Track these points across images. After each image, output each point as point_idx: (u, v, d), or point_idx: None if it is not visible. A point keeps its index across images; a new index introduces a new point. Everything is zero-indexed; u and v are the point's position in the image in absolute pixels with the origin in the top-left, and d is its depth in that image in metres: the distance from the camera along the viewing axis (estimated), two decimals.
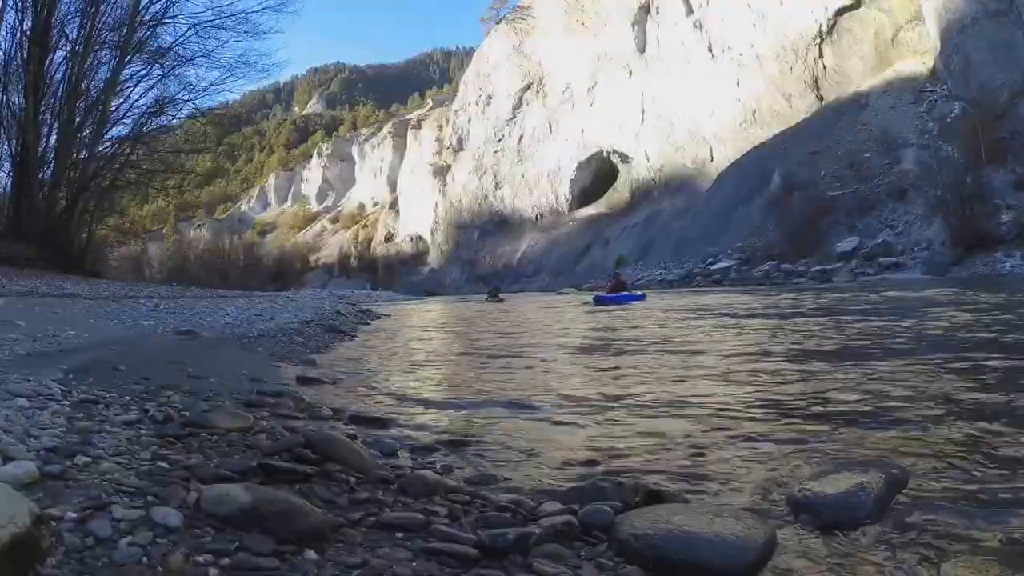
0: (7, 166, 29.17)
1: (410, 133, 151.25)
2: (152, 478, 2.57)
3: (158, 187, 36.40)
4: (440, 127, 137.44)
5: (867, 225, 48.67)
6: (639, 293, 32.17)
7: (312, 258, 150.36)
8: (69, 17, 29.69)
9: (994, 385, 5.28)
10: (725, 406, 4.97)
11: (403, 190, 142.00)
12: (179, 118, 34.27)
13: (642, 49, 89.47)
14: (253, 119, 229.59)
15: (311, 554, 2.14)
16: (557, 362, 8.30)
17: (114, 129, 32.81)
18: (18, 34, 27.70)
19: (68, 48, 29.76)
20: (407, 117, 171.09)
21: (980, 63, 47.98)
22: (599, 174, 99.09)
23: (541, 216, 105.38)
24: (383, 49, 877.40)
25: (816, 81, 68.68)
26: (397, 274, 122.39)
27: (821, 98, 67.25)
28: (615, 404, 5.28)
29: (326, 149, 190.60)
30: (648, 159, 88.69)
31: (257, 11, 35.19)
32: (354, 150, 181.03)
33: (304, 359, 8.69)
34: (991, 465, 3.25)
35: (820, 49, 67.80)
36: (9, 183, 29.36)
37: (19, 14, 27.68)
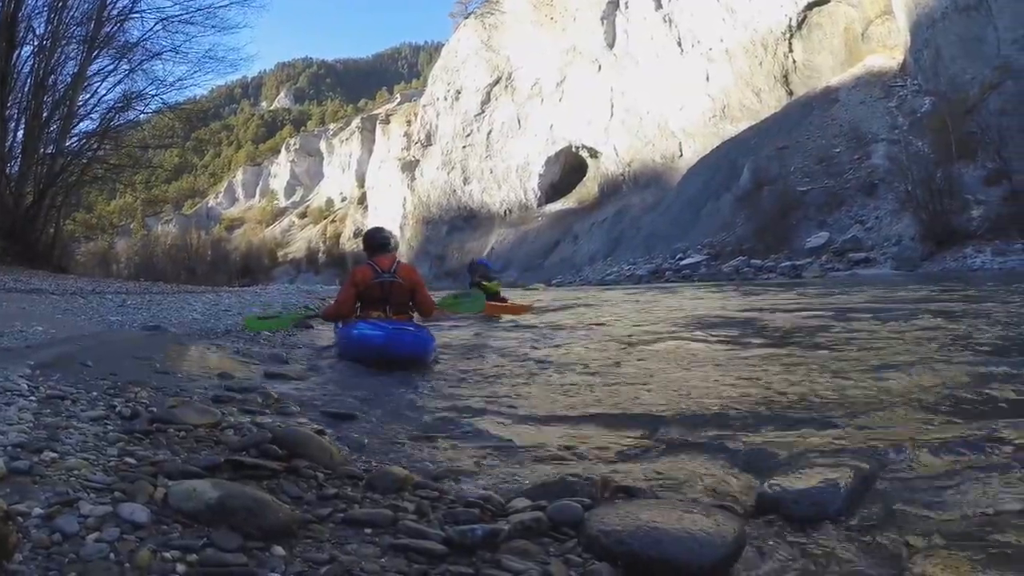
0: None
1: (378, 128, 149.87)
2: (119, 474, 2.59)
3: (125, 182, 36.61)
4: (408, 122, 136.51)
5: (837, 220, 48.27)
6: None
7: (280, 253, 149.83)
8: (36, 11, 29.80)
9: (967, 381, 5.25)
10: (695, 402, 5.02)
11: (371, 185, 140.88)
12: (146, 113, 34.53)
13: (611, 44, 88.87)
14: (221, 114, 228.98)
15: (279, 550, 2.15)
16: (527, 356, 8.22)
17: (81, 124, 33.03)
18: None
19: (35, 42, 29.70)
20: (375, 112, 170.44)
21: (950, 57, 47.68)
22: (568, 169, 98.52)
23: (510, 211, 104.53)
24: (351, 43, 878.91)
25: (786, 76, 68.48)
26: None
27: (791, 93, 67.00)
28: (585, 400, 5.33)
29: (294, 144, 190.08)
30: (617, 154, 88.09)
31: (224, 5, 34.97)
32: (322, 145, 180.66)
33: (272, 354, 8.63)
34: (963, 462, 3.28)
35: (790, 44, 67.56)
36: None
37: None
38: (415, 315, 8.98)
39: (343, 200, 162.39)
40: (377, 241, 8.91)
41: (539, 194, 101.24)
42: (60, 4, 29.33)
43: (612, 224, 79.98)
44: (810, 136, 57.13)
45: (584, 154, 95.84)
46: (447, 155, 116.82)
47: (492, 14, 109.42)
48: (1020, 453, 3.36)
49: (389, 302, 8.61)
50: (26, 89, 29.78)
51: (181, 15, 32.11)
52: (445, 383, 6.52)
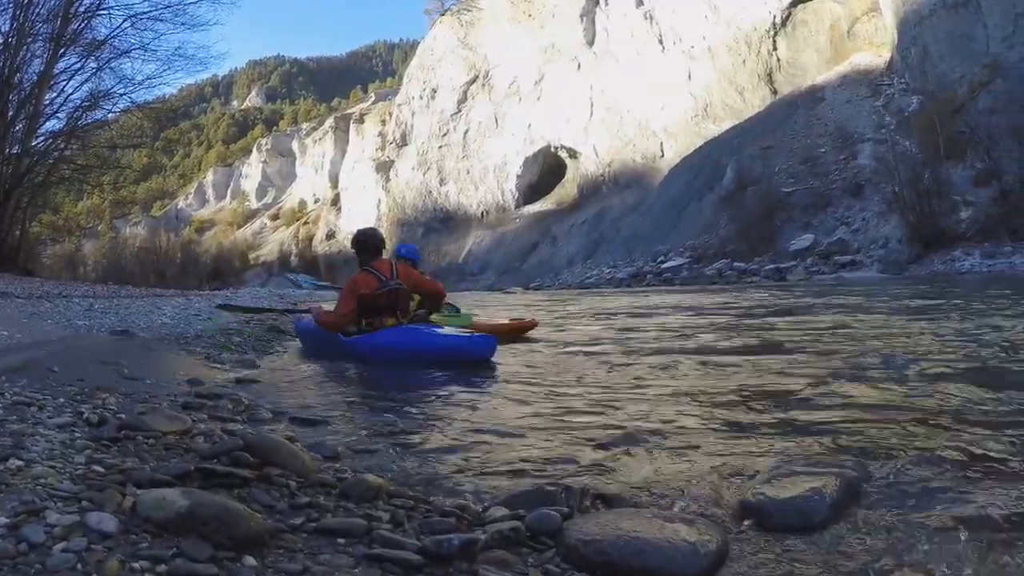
0: None
1: (352, 128, 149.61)
2: (87, 482, 2.56)
3: (93, 183, 36.65)
4: (383, 121, 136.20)
5: (822, 222, 48.15)
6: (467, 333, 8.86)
7: (252, 256, 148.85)
8: (1, 8, 29.15)
9: (951, 387, 5.27)
10: (678, 410, 4.98)
11: (345, 186, 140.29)
12: (115, 112, 34.43)
13: (591, 41, 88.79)
14: (191, 113, 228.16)
15: (250, 560, 2.14)
16: (502, 361, 8.10)
17: (48, 123, 33.04)
18: None
19: (0, 40, 29.13)
20: (349, 111, 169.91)
21: (938, 55, 47.58)
22: (546, 170, 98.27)
23: (487, 213, 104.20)
24: (325, 41, 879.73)
25: (770, 74, 68.44)
26: (339, 273, 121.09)
27: (775, 92, 66.96)
28: (563, 406, 5.29)
29: (266, 144, 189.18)
30: (597, 154, 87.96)
31: (194, 2, 34.84)
32: (295, 145, 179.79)
33: (243, 360, 8.63)
34: (949, 469, 3.27)
35: (774, 41, 67.53)
36: None
37: None
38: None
39: (316, 201, 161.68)
40: (373, 244, 8.74)
41: (517, 195, 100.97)
42: (26, 0, 28.99)
43: (592, 226, 79.82)
44: (795, 136, 57.04)
45: (563, 154, 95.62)
46: (423, 155, 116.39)
47: (469, 11, 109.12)
48: (1007, 461, 3.36)
49: (398, 308, 8.56)
50: None
51: (150, 12, 32.03)
52: (421, 390, 6.51)
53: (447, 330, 8.60)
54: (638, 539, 2.33)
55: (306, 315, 10.53)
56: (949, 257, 35.50)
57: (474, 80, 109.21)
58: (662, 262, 55.96)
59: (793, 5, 65.23)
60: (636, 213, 71.30)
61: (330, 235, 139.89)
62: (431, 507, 2.88)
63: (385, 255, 8.91)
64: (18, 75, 30.15)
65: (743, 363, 7.13)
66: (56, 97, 32.47)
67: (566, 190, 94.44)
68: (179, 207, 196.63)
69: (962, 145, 40.78)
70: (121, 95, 32.68)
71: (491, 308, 22.74)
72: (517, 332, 11.61)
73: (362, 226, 10.68)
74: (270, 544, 2.28)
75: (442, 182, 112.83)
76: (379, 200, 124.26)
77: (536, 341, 11.03)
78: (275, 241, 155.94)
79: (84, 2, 31.52)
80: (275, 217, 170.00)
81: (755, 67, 69.29)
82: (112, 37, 31.87)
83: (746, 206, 52.95)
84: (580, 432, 4.34)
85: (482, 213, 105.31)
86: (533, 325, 12.07)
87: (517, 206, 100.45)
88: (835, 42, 62.61)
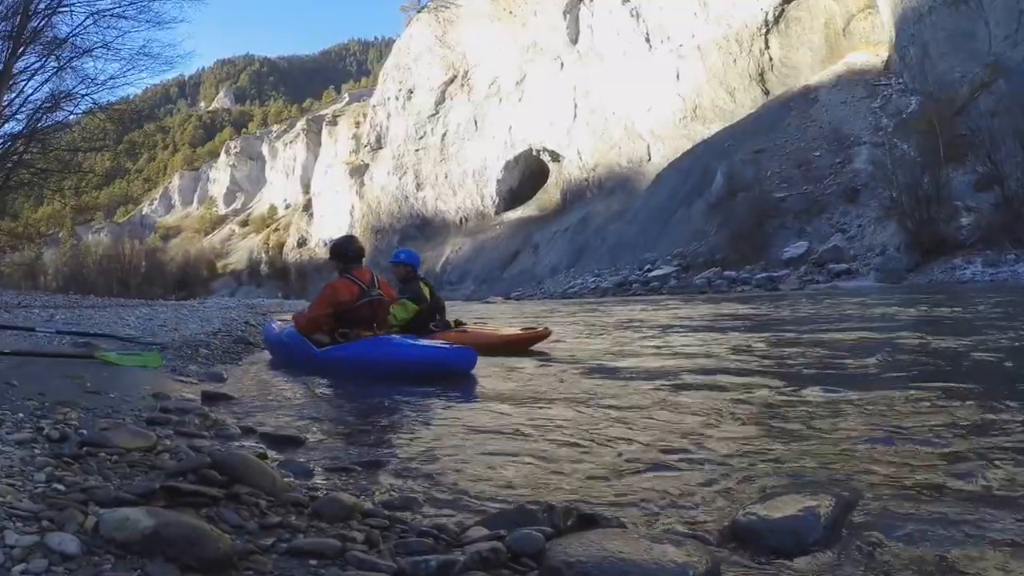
0: None
1: (325, 130, 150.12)
2: (47, 501, 2.52)
3: (53, 188, 36.14)
4: (357, 123, 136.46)
5: (816, 229, 48.07)
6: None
7: (220, 264, 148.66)
8: None
9: (948, 404, 5.26)
10: (665, 426, 4.97)
11: (317, 191, 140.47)
12: (76, 114, 33.64)
13: (575, 39, 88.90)
14: (156, 115, 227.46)
15: None
16: (481, 375, 8.04)
17: (6, 126, 32.28)
18: None
19: None
20: (322, 113, 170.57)
21: (938, 55, 47.73)
22: (528, 174, 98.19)
23: (466, 219, 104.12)
24: (296, 39, 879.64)
25: (762, 74, 68.64)
26: (311, 281, 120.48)
27: (767, 92, 67.22)
28: (547, 423, 5.20)
29: (234, 147, 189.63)
30: (581, 158, 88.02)
31: None
32: (264, 148, 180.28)
33: (211, 373, 8.43)
34: (945, 488, 3.26)
35: (766, 40, 67.76)
36: None
37: None
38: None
39: (287, 207, 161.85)
40: (353, 252, 8.74)
41: (497, 201, 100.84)
42: None
43: (575, 233, 79.54)
44: (788, 139, 57.04)
45: (545, 158, 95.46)
46: (399, 159, 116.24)
47: (447, 8, 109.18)
48: (1006, 487, 3.29)
49: (376, 320, 8.61)
50: None
51: (113, 8, 31.45)
52: (397, 405, 6.40)
53: (425, 341, 8.61)
54: (624, 561, 2.27)
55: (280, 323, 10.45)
56: (949, 265, 35.43)
57: (452, 80, 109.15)
58: (649, 271, 55.84)
59: (786, 2, 65.49)
60: (622, 220, 71.08)
61: (301, 242, 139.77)
62: (407, 527, 2.84)
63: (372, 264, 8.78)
64: None
65: (736, 381, 6.96)
66: (15, 98, 32.09)
67: (548, 195, 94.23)
68: (144, 213, 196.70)
69: (963, 148, 40.77)
70: (83, 96, 32.13)
71: (494, 319, 22.57)
72: (526, 343, 11.27)
73: (335, 233, 10.49)
74: (239, 566, 2.24)
75: (419, 187, 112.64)
76: (353, 206, 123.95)
77: (526, 354, 10.75)
78: (244, 249, 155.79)
79: None
80: (244, 224, 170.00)
81: (746, 67, 69.45)
82: (74, 35, 31.34)
83: (737, 212, 52.79)
84: (564, 450, 4.30)
85: (461, 219, 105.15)
86: (546, 335, 11.48)
87: (497, 212, 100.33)
88: (830, 40, 62.81)
